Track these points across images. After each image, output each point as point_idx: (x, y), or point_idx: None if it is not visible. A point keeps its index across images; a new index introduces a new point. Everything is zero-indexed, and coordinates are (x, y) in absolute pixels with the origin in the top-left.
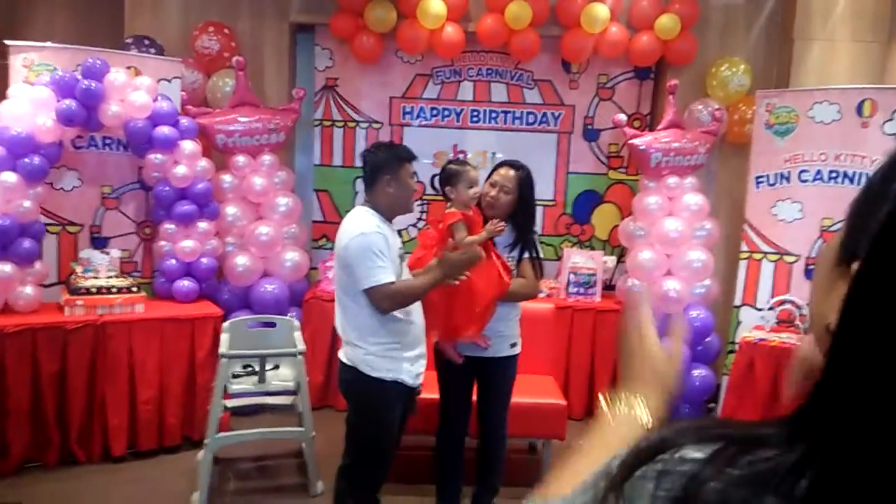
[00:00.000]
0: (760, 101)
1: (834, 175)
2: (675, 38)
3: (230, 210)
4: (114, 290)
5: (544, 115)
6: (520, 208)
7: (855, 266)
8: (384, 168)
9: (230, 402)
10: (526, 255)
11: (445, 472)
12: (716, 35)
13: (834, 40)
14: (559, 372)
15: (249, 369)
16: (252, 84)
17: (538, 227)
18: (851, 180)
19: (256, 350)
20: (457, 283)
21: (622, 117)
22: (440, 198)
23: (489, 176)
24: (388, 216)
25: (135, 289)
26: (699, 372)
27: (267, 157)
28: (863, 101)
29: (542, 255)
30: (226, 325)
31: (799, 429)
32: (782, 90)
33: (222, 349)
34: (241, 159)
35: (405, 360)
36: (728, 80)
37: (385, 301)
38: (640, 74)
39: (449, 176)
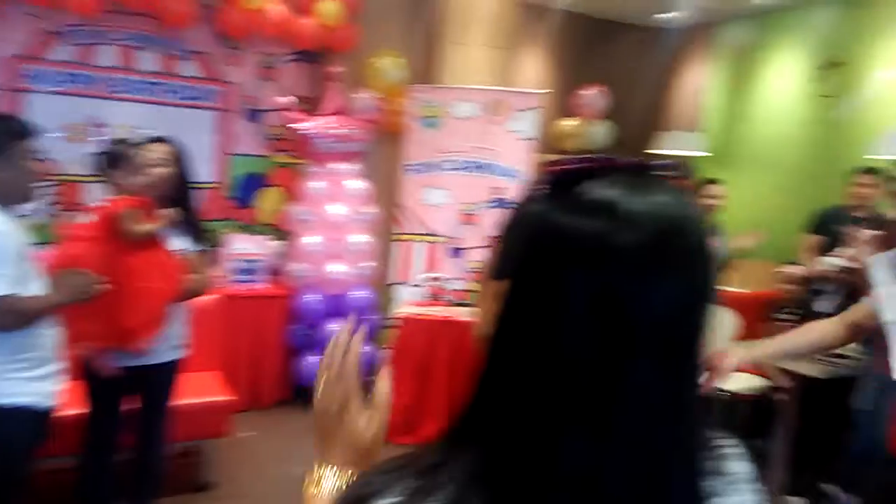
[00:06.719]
0: (412, 95)
1: (471, 166)
2: (339, 26)
3: None
4: None
5: (201, 90)
6: (180, 184)
7: (502, 284)
8: None
9: None
10: (198, 247)
11: (98, 491)
12: (375, 28)
13: (470, 45)
14: (224, 364)
15: None
16: None
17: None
18: (482, 170)
19: None
20: (88, 298)
21: (287, 100)
22: (77, 178)
23: None
24: (2, 203)
25: None
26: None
27: None
28: (494, 101)
29: (214, 246)
30: None
31: (461, 436)
32: (431, 86)
33: None
34: None
35: (34, 381)
36: (385, 73)
37: (3, 317)
38: (304, 58)
39: (116, 158)
